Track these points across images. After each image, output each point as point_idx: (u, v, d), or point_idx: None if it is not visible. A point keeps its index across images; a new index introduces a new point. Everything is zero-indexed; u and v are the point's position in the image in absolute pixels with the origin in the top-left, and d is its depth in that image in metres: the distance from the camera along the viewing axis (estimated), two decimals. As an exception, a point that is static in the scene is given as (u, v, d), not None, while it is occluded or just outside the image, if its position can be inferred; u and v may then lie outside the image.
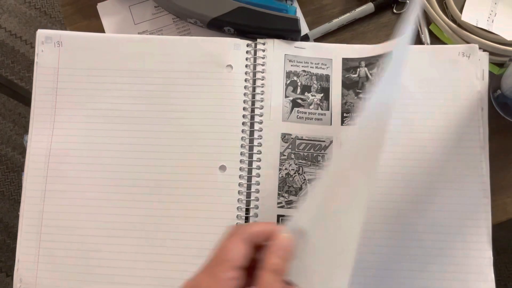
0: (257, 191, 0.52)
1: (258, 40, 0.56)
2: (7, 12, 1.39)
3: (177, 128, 0.54)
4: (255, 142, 0.53)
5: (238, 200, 0.52)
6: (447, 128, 0.53)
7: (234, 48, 0.55)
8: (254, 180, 0.52)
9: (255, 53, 0.55)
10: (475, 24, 0.54)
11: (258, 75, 0.55)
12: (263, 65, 0.55)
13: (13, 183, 1.30)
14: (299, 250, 0.36)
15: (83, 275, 0.52)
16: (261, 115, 0.54)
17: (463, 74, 0.54)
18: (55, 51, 0.56)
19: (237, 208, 0.52)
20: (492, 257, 0.50)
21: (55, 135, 0.54)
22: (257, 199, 0.52)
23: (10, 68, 1.37)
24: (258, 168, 0.53)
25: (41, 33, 0.56)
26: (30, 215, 0.53)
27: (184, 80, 0.55)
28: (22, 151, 1.31)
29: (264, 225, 0.37)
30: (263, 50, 0.55)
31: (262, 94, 0.54)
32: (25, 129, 1.31)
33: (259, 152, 0.53)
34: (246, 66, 0.55)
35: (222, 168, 0.53)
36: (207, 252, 0.38)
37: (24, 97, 1.16)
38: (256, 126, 0.53)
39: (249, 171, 0.53)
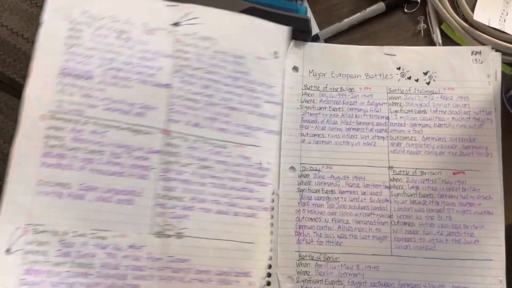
0: (272, 192, 0.52)
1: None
2: (8, 10, 1.38)
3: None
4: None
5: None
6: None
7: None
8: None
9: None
10: (487, 24, 0.53)
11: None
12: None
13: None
14: None
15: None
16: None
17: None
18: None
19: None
20: (504, 269, 0.50)
21: None
22: (272, 200, 0.52)
23: (12, 67, 1.36)
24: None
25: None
26: None
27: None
28: (25, 150, 1.30)
29: None
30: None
31: None
32: (28, 127, 1.30)
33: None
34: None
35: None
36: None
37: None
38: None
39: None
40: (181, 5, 0.50)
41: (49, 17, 0.46)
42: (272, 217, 0.51)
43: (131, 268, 0.43)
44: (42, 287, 0.41)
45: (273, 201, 0.52)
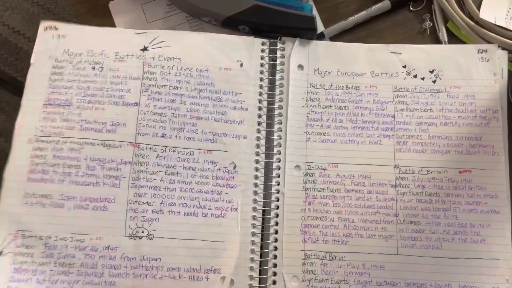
0: (277, 190, 0.52)
1: (279, 39, 0.55)
2: (9, 9, 1.38)
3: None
4: (275, 142, 0.53)
5: (253, 200, 0.52)
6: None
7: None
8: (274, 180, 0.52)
9: (270, 52, 0.55)
10: (493, 22, 0.53)
11: (277, 75, 0.55)
12: (282, 64, 0.55)
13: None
14: None
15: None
16: (280, 120, 0.53)
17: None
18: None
19: (253, 208, 0.51)
20: (511, 268, 0.50)
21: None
22: (277, 199, 0.52)
23: (14, 66, 1.36)
24: (278, 166, 0.52)
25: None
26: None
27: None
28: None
29: None
30: (283, 50, 0.55)
31: (281, 101, 0.54)
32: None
33: (279, 152, 0.53)
34: (262, 65, 0.55)
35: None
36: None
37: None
38: (276, 126, 0.53)
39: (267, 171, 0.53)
40: (148, 32, 0.55)
41: (36, 59, 0.53)
42: (254, 218, 0.51)
43: (107, 267, 0.48)
44: (29, 284, 0.47)
45: (278, 199, 0.51)
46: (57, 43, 0.54)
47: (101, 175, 0.50)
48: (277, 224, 0.51)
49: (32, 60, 0.53)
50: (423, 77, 0.54)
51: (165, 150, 0.51)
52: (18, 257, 0.47)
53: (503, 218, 0.51)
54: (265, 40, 0.55)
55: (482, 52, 0.54)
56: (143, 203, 0.50)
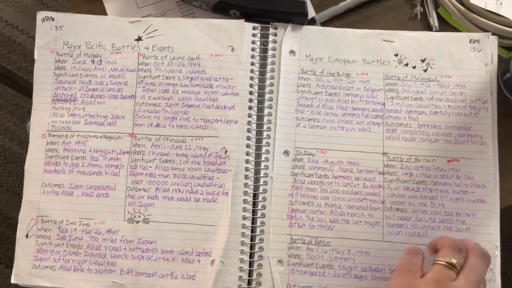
0: (266, 175, 0.52)
1: (271, 24, 0.55)
2: (3, 1, 1.38)
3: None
4: (265, 127, 0.53)
5: (244, 184, 0.51)
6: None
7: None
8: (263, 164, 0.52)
9: (261, 37, 0.55)
10: (483, 7, 0.53)
11: (269, 60, 0.54)
12: (274, 49, 0.54)
13: (11, 174, 1.28)
14: None
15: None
16: (270, 105, 0.53)
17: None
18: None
19: (244, 192, 0.51)
20: (495, 257, 0.50)
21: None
22: (265, 184, 0.51)
23: (7, 58, 1.35)
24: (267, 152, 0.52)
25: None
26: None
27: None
28: (20, 142, 1.29)
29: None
30: (274, 35, 0.55)
31: (271, 86, 0.54)
32: (22, 119, 1.30)
33: (268, 137, 0.52)
34: (253, 49, 0.54)
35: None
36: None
37: (22, 87, 1.14)
38: (266, 111, 0.53)
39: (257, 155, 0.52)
40: (141, 20, 0.56)
41: (39, 54, 0.56)
42: (245, 201, 0.51)
43: (109, 249, 0.52)
44: (48, 262, 0.52)
45: (266, 184, 0.51)
46: (56, 35, 0.56)
47: (103, 165, 0.53)
48: (264, 208, 0.51)
49: (35, 56, 0.56)
50: (415, 66, 0.54)
51: (159, 138, 0.53)
52: (39, 239, 0.52)
53: (489, 207, 0.51)
54: (256, 25, 0.55)
55: (474, 42, 0.54)
56: (139, 189, 0.53)
